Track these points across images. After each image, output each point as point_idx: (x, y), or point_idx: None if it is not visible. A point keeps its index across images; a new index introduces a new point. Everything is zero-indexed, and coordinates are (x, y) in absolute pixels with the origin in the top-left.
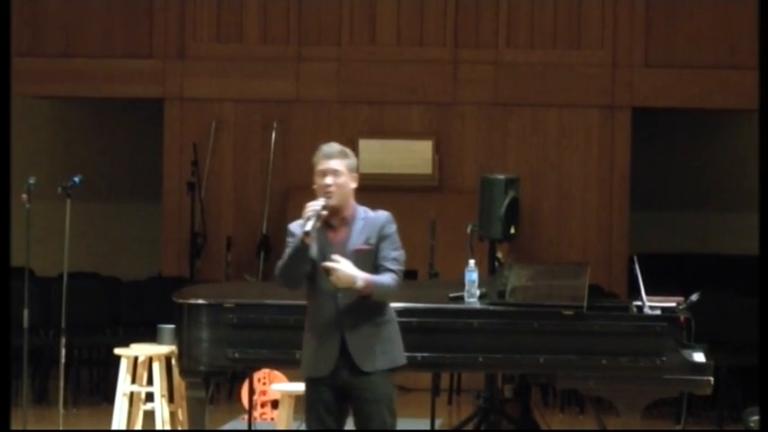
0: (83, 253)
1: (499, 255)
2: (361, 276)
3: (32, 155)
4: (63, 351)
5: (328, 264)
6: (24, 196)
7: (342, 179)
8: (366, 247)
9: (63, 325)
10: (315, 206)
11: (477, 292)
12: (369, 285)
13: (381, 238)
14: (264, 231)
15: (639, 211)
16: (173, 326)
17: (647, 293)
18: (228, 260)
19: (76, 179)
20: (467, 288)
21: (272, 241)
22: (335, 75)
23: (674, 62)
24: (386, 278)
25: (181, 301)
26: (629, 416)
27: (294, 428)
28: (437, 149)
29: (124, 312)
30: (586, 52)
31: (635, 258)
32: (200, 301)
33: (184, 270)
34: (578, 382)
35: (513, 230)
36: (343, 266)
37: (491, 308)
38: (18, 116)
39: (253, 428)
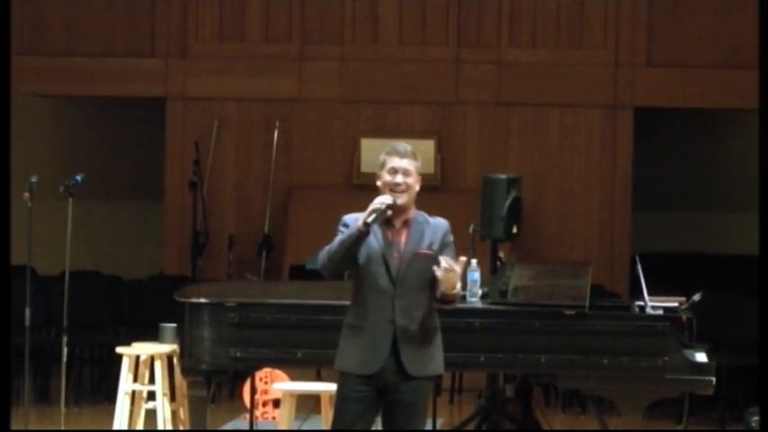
0: (84, 252)
1: (501, 254)
2: (460, 285)
3: (34, 153)
4: (65, 350)
5: (450, 260)
6: (26, 195)
7: (411, 179)
8: (428, 252)
9: (65, 324)
10: (384, 200)
11: (479, 292)
12: (457, 294)
13: (443, 246)
14: (266, 230)
15: (641, 211)
16: (174, 325)
17: (649, 293)
18: (230, 259)
19: (78, 178)
20: (468, 288)
21: (273, 240)
22: (338, 74)
23: (677, 62)
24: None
25: (183, 299)
26: (630, 416)
27: (296, 428)
28: (439, 149)
29: (126, 311)
30: (588, 52)
31: (637, 258)
32: (202, 300)
33: (186, 269)
34: (580, 382)
35: (514, 230)
36: (458, 269)
37: (493, 307)
38: (20, 115)
39: (254, 428)
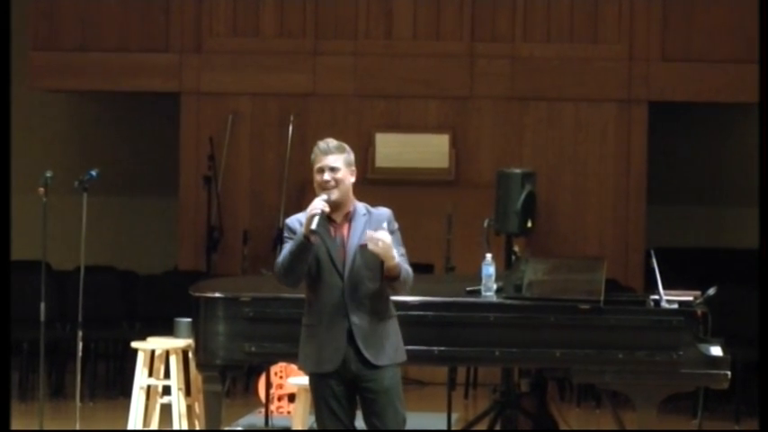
0: (99, 247)
1: (516, 249)
2: (395, 254)
3: (49, 149)
4: (80, 345)
5: (372, 232)
6: (41, 190)
7: (340, 174)
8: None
9: (80, 319)
10: (319, 205)
11: (494, 286)
12: (398, 266)
13: (389, 234)
14: (281, 225)
15: (656, 205)
16: (189, 319)
17: (664, 287)
18: (245, 254)
19: (93, 173)
20: (483, 282)
21: None
22: (352, 69)
23: (691, 56)
24: (406, 267)
25: (197, 294)
26: (645, 410)
27: (311, 422)
28: (453, 143)
29: (141, 306)
30: (603, 46)
31: (652, 252)
32: (217, 295)
33: (201, 264)
34: (595, 377)
35: (529, 224)
36: (385, 237)
37: (507, 302)
38: (35, 110)
39: (269, 422)
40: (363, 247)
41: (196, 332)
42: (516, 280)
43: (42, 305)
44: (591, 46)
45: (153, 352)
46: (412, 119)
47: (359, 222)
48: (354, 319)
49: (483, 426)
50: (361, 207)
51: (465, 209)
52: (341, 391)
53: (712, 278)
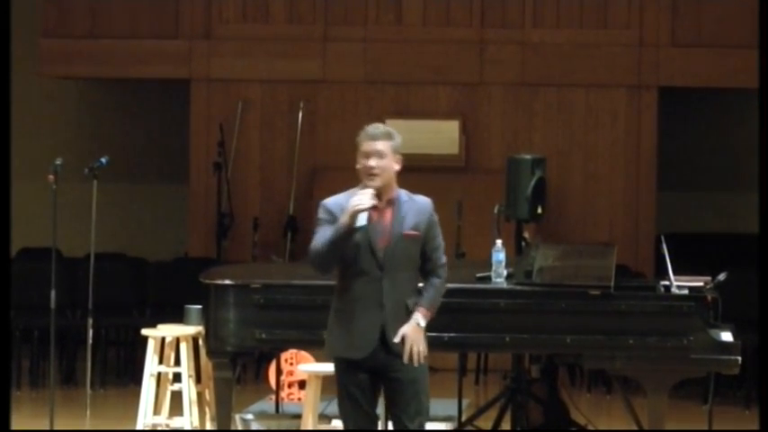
0: (109, 234)
1: (526, 235)
2: (421, 322)
3: (59, 136)
4: (90, 332)
5: (407, 345)
6: (51, 177)
7: (386, 161)
8: (415, 233)
9: (90, 306)
10: (367, 201)
11: (504, 273)
12: (429, 316)
13: (430, 226)
14: (291, 212)
15: (666, 191)
16: (200, 306)
17: (675, 273)
18: (255, 240)
19: (103, 160)
20: (494, 268)
21: (298, 222)
22: (362, 55)
23: (701, 41)
24: (435, 293)
25: (208, 281)
26: (656, 396)
27: (321, 409)
28: (464, 130)
29: (151, 293)
30: (613, 32)
31: (662, 238)
32: (227, 282)
33: (211, 251)
34: (605, 363)
35: (539, 210)
36: (411, 336)
37: (518, 288)
38: (44, 97)
39: (280, 409)
40: (406, 237)
41: (206, 319)
42: (527, 266)
43: (53, 292)
44: (601, 31)
45: (163, 339)
46: (422, 105)
47: (401, 210)
48: (389, 308)
49: (494, 412)
50: (402, 194)
51: (475, 195)
52: (365, 379)
53: (723, 263)
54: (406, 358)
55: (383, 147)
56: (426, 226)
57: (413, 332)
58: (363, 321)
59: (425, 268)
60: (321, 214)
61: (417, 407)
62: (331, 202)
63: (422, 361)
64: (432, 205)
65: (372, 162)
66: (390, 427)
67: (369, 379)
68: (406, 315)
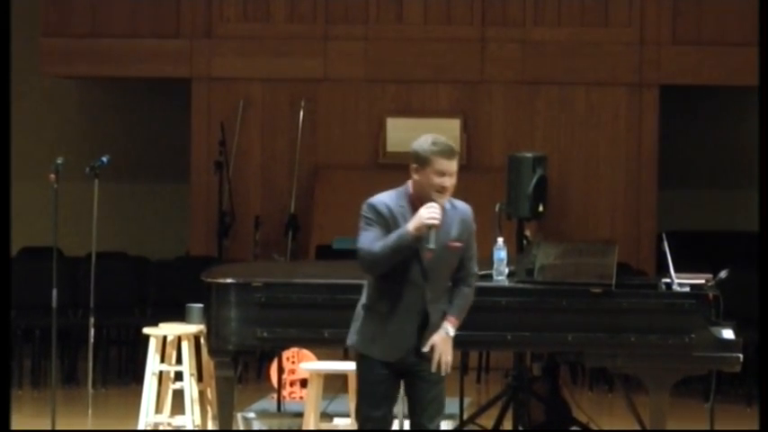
0: (111, 233)
1: (527, 233)
2: (450, 332)
3: (60, 135)
4: (92, 331)
5: (435, 354)
6: (52, 176)
7: (455, 180)
8: (458, 244)
9: (91, 305)
10: (438, 216)
11: (506, 271)
12: (458, 325)
13: (470, 235)
14: (292, 210)
15: (667, 189)
16: (201, 305)
17: (676, 271)
18: (257, 239)
19: (104, 159)
20: (495, 266)
21: (299, 220)
22: (363, 53)
23: (702, 39)
24: (464, 302)
25: (209, 280)
26: (657, 393)
27: (323, 407)
28: (465, 128)
29: (152, 292)
30: (614, 30)
31: (663, 236)
32: (229, 281)
33: (212, 249)
34: (607, 360)
35: (540, 209)
36: (440, 346)
37: (519, 286)
38: (45, 96)
39: (282, 407)
40: (449, 249)
41: (208, 318)
42: (528, 264)
43: (54, 292)
44: (602, 30)
45: (165, 338)
46: (423, 103)
47: (446, 219)
48: (431, 315)
49: (495, 410)
50: (446, 203)
51: (476, 193)
52: (390, 378)
53: (724, 261)
54: (434, 367)
55: (456, 166)
56: (468, 236)
57: (442, 342)
58: (403, 327)
59: (457, 276)
60: (369, 214)
61: (438, 408)
62: (378, 201)
63: (449, 371)
64: (472, 213)
65: (447, 182)
66: (407, 426)
67: (393, 378)
68: (441, 319)
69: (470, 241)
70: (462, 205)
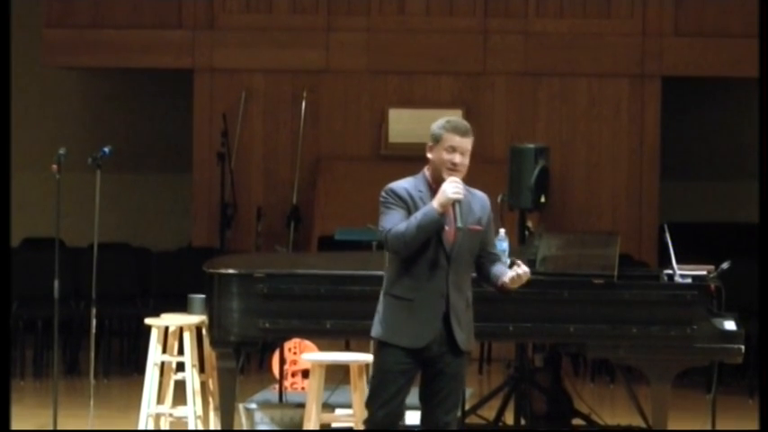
0: (113, 224)
1: (529, 224)
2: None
3: (62, 126)
4: (93, 322)
5: (524, 269)
6: (54, 167)
7: (467, 158)
8: (479, 227)
9: (93, 296)
10: (462, 191)
11: (508, 262)
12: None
13: (489, 221)
14: (294, 201)
15: (669, 180)
16: (203, 296)
17: (678, 262)
18: (259, 230)
19: (106, 150)
20: None
21: (302, 211)
22: (365, 45)
23: (704, 31)
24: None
25: (211, 271)
26: (659, 385)
27: (325, 398)
28: (466, 119)
29: (154, 283)
30: (616, 21)
31: (665, 227)
32: (231, 271)
33: (214, 240)
34: (609, 352)
35: (542, 200)
36: (527, 270)
37: None
38: (48, 87)
39: (284, 398)
40: (471, 232)
41: (210, 309)
42: (530, 255)
43: (56, 282)
44: (604, 21)
45: (167, 329)
46: (425, 95)
47: (465, 204)
48: (453, 301)
49: (497, 401)
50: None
51: (478, 184)
52: (410, 368)
53: (726, 252)
54: (514, 273)
55: (470, 145)
56: (487, 221)
57: (526, 275)
58: (428, 311)
59: (493, 257)
60: (389, 197)
61: (455, 401)
62: (397, 186)
63: (523, 279)
64: (489, 200)
65: (458, 159)
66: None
67: (412, 368)
68: (466, 308)
69: (491, 227)
70: (480, 193)
